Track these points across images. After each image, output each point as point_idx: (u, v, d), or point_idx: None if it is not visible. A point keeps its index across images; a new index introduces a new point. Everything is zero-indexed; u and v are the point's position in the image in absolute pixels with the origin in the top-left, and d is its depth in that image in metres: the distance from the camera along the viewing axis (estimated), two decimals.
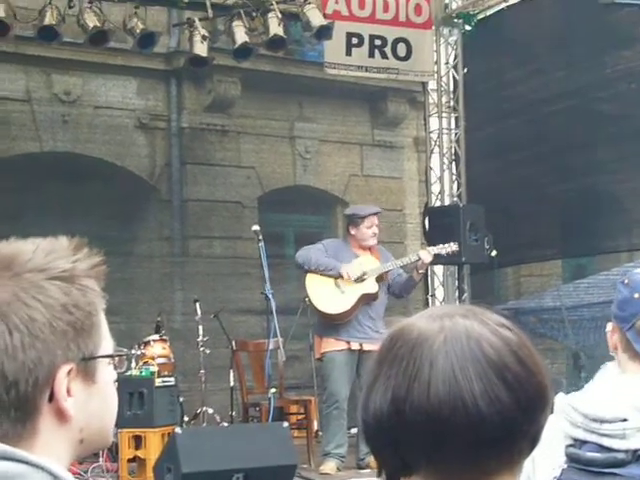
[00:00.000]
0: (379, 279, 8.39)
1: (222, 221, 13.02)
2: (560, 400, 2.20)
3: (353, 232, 8.49)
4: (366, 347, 8.21)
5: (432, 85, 12.04)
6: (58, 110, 12.20)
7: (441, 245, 8.76)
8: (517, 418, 1.32)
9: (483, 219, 10.72)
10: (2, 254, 1.34)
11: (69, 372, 1.31)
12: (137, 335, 10.01)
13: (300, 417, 9.68)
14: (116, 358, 1.41)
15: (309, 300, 8.60)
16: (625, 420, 2.21)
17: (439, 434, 1.30)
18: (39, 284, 1.30)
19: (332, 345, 8.32)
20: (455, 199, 11.78)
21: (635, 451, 2.18)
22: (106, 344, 1.39)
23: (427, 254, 8.55)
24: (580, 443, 2.27)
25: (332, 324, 8.32)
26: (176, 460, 6.71)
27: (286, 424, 7.58)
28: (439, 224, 10.80)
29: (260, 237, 8.53)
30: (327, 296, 8.33)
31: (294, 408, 9.74)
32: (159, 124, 12.95)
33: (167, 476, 6.81)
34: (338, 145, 14.18)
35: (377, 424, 1.35)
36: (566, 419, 2.27)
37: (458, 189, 11.84)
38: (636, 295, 2.39)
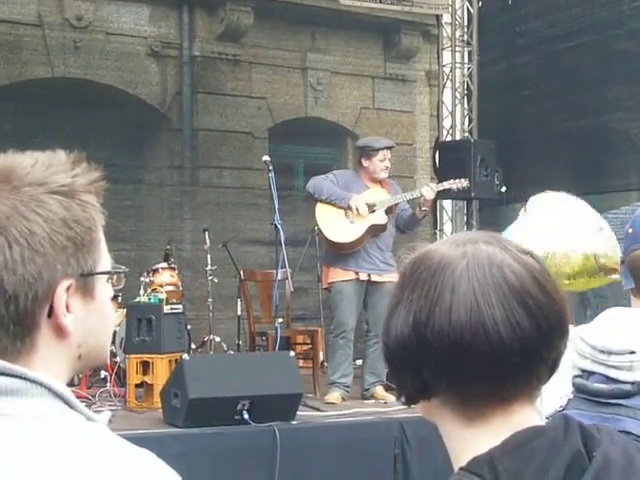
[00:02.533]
0: (388, 211, 8.39)
1: (232, 151, 13.00)
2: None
3: (365, 164, 8.45)
4: (374, 278, 8.24)
5: (446, 18, 11.93)
6: (70, 35, 12.12)
7: (452, 180, 8.71)
8: (537, 344, 1.33)
9: (494, 155, 10.69)
10: (1, 167, 1.32)
11: (68, 288, 1.31)
12: (146, 263, 10.07)
13: (306, 347, 9.75)
14: (114, 275, 1.41)
15: (318, 229, 8.61)
16: (633, 352, 2.23)
17: (460, 359, 1.32)
18: (39, 198, 1.29)
19: (340, 275, 8.32)
20: (466, 134, 11.74)
21: None
22: (105, 261, 1.38)
23: (429, 191, 8.43)
24: (587, 374, 2.29)
25: (340, 254, 8.33)
26: (183, 386, 6.78)
27: (292, 353, 7.63)
28: (450, 159, 10.78)
29: (270, 168, 8.51)
30: (336, 225, 8.32)
31: (300, 338, 9.81)
32: (171, 52, 12.87)
33: (174, 401, 6.88)
34: (350, 77, 14.10)
35: (398, 347, 1.37)
36: (574, 350, 2.29)
37: (469, 124, 11.79)
38: (630, 230, 2.39)
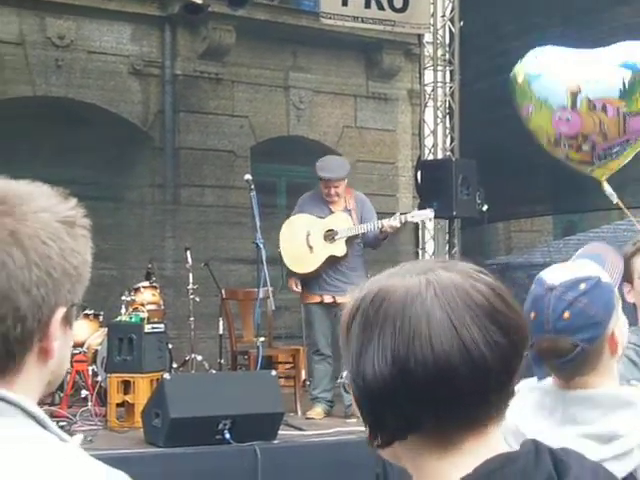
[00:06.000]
0: (348, 240, 8.42)
1: (214, 170, 12.99)
2: None
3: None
4: (339, 299, 8.15)
5: (428, 37, 11.99)
6: (52, 54, 12.11)
7: (416, 211, 8.78)
8: (513, 359, 1.35)
9: (475, 173, 10.71)
10: (10, 190, 1.35)
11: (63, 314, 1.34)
12: (127, 281, 10.05)
13: (288, 366, 9.72)
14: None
15: (279, 253, 8.63)
16: None
17: (446, 385, 1.31)
18: (53, 225, 1.32)
19: (307, 298, 8.55)
20: (448, 153, 11.77)
21: None
22: None
23: (388, 226, 8.32)
24: None
25: (303, 278, 8.47)
26: (164, 405, 6.76)
27: (274, 372, 7.63)
28: (431, 178, 10.80)
29: (252, 186, 8.52)
30: (296, 253, 8.42)
31: (282, 357, 9.78)
32: (153, 71, 12.87)
33: (155, 421, 6.86)
34: (332, 96, 14.11)
35: (378, 388, 1.33)
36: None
37: (451, 143, 11.82)
38: (532, 315, 2.17)
